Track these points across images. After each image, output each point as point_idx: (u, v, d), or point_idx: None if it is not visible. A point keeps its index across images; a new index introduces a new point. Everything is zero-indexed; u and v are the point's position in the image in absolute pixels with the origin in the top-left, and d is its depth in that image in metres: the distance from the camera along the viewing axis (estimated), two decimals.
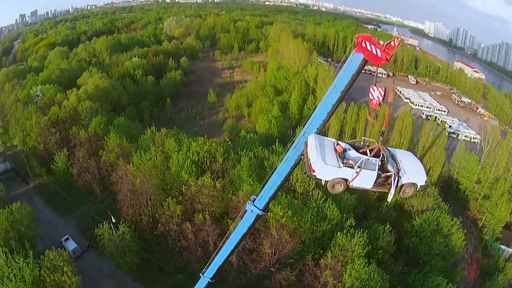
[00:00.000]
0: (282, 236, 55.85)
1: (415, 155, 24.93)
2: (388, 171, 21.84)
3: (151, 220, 69.93)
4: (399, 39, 19.81)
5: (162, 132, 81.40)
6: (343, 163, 21.60)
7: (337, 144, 23.13)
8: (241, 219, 31.96)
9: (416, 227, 65.49)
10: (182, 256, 63.73)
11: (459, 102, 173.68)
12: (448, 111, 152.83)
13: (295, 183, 66.77)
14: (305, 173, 23.38)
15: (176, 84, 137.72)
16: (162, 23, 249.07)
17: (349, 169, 21.39)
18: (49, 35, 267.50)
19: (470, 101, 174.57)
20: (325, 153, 21.96)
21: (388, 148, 23.58)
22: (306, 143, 23.49)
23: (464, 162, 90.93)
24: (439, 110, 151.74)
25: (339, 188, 22.11)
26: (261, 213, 30.00)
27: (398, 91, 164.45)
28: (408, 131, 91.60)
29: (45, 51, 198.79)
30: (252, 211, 30.08)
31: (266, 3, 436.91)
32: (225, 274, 59.17)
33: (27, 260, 52.61)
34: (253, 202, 30.01)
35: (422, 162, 24.45)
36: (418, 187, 22.42)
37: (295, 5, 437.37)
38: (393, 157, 22.79)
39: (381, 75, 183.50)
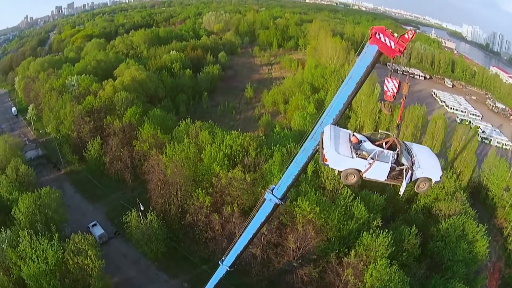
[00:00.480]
0: (307, 232, 60.39)
1: (432, 151, 26.67)
2: (402, 164, 23.58)
3: (180, 210, 77.05)
4: (413, 31, 21.33)
5: (196, 124, 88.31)
6: (357, 154, 23.52)
7: (353, 135, 24.86)
8: (260, 208, 34.34)
9: (442, 232, 68.35)
10: (208, 247, 70.14)
11: (493, 108, 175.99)
12: (482, 116, 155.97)
13: (325, 181, 72.34)
14: (320, 162, 25.25)
15: (214, 78, 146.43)
16: (201, 18, 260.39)
17: (362, 160, 23.32)
18: (86, 27, 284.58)
19: (504, 107, 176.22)
20: (339, 143, 23.98)
21: (404, 142, 25.37)
22: (322, 133, 25.41)
23: (494, 168, 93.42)
24: (473, 114, 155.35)
25: (353, 179, 23.97)
26: (279, 202, 32.34)
27: (434, 93, 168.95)
28: (440, 134, 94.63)
29: (81, 43, 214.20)
30: (270, 200, 32.45)
31: (307, 1, 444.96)
32: (249, 267, 64.97)
33: (52, 243, 58.89)
34: (272, 191, 32.38)
35: (438, 158, 26.06)
36: (433, 182, 23.95)
37: (335, 4, 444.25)
38: (408, 151, 24.33)
39: (418, 77, 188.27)
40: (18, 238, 61.62)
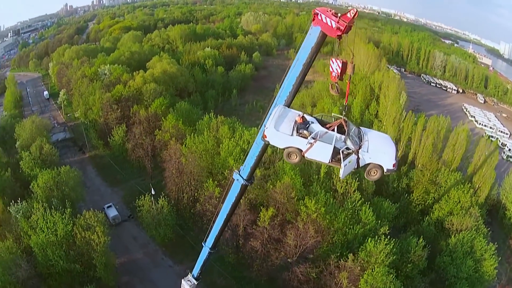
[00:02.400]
0: (307, 231, 61.23)
1: (393, 140, 26.54)
2: (348, 148, 23.55)
3: (191, 199, 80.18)
4: (355, 10, 21.10)
5: (218, 119, 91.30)
6: (298, 133, 23.99)
7: (299, 116, 25.11)
8: (230, 188, 35.31)
9: (450, 247, 67.69)
10: None
11: None
12: (510, 134, 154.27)
13: (336, 183, 73.83)
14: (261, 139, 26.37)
15: (245, 77, 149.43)
16: (240, 17, 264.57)
17: (302, 139, 23.81)
18: (126, 19, 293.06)
19: None
20: (282, 121, 24.62)
21: (361, 127, 25.72)
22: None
23: None
24: (501, 132, 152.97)
25: (295, 159, 24.53)
26: (245, 183, 32.90)
27: (465, 108, 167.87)
28: (462, 147, 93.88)
29: (119, 34, 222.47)
30: (237, 180, 33.11)
31: (349, 8, 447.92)
32: (250, 260, 67.02)
33: (63, 216, 63.20)
34: (239, 172, 33.00)
35: (396, 148, 26.23)
36: (385, 170, 23.98)
37: (377, 13, 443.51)
38: (359, 135, 24.51)
39: (451, 90, 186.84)
40: (32, 210, 66.07)
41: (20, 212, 67.88)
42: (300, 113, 25.57)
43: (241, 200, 65.44)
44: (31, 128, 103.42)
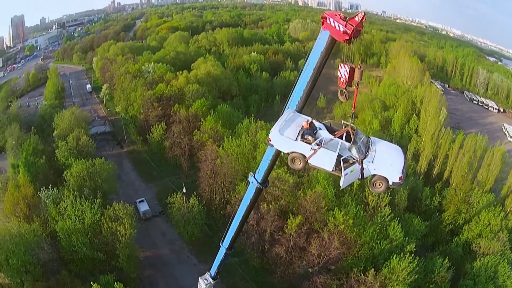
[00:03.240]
0: (332, 241, 60.70)
1: (404, 153, 26.08)
2: (351, 157, 23.40)
3: (223, 200, 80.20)
4: (363, 13, 20.89)
5: (258, 123, 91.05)
6: (303, 138, 24.03)
7: (307, 121, 25.02)
8: (246, 191, 35.50)
9: (474, 270, 66.13)
10: (240, 240, 73.31)
11: None
12: None
13: (368, 195, 72.84)
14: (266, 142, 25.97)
15: (290, 84, 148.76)
16: (288, 24, 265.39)
17: (306, 144, 23.80)
18: (174, 19, 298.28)
19: None
20: (288, 126, 24.71)
21: (372, 137, 25.61)
22: None
23: None
24: None
25: (299, 165, 24.55)
26: (259, 186, 32.79)
27: (504, 128, 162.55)
28: (496, 168, 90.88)
29: (166, 33, 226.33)
30: (252, 182, 33.10)
31: (397, 20, 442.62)
32: (274, 266, 66.68)
33: (92, 206, 65.22)
34: (254, 174, 32.98)
35: (405, 161, 25.16)
36: (390, 183, 23.63)
37: (424, 27, 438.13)
38: (367, 144, 24.45)
39: (492, 109, 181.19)
40: (62, 197, 67.81)
41: (50, 198, 69.70)
42: (309, 118, 25.51)
43: (270, 206, 66.28)
44: (70, 119, 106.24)
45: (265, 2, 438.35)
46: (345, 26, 20.77)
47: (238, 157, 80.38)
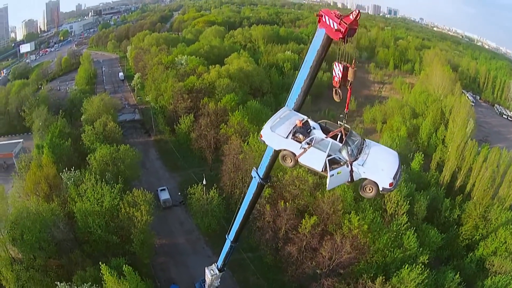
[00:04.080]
0: (343, 245, 60.35)
1: (399, 159, 25.37)
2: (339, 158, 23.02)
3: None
4: (357, 11, 20.37)
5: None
6: (293, 136, 24.04)
7: (302, 120, 24.97)
8: (249, 185, 35.81)
9: None
10: (255, 236, 73.09)
11: None
12: None
13: (387, 202, 72.00)
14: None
15: (322, 84, 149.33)
16: None
17: (296, 142, 23.76)
18: (212, 13, 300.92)
19: None
20: (281, 123, 24.91)
21: (368, 140, 25.13)
22: None
23: None
24: None
25: (289, 162, 24.52)
26: (261, 181, 33.14)
27: None
28: None
29: (202, 27, 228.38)
30: (255, 177, 33.48)
31: (434, 28, 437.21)
32: (286, 265, 66.69)
33: (112, 190, 66.74)
34: (257, 169, 33.31)
35: (399, 167, 24.46)
36: (380, 188, 22.90)
37: (460, 37, 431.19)
38: (360, 146, 23.92)
39: None
40: (84, 179, 69.77)
41: (71, 180, 71.75)
42: (305, 117, 25.56)
43: (287, 204, 66.51)
44: (98, 105, 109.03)
45: (304, 1, 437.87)
46: (339, 24, 20.37)
47: (262, 154, 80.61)
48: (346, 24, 20.05)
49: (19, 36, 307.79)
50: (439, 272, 63.35)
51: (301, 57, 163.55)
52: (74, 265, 57.84)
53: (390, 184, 22.70)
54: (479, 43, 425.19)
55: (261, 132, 24.89)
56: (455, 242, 74.30)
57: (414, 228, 65.67)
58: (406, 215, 67.93)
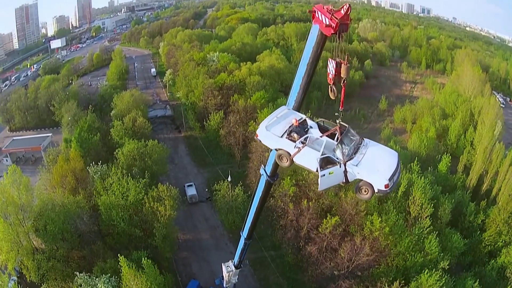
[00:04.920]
0: (363, 247, 59.86)
1: (399, 158, 24.52)
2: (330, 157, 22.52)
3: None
4: (348, 5, 19.78)
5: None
6: (289, 135, 23.77)
7: (300, 119, 24.82)
8: (259, 182, 35.36)
9: None
10: (278, 234, 73.45)
11: None
12: None
13: (410, 204, 70.03)
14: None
15: (353, 83, 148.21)
16: (358, 23, 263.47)
17: (291, 142, 23.46)
18: (246, 10, 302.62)
19: None
20: (278, 122, 24.67)
21: (367, 139, 24.59)
22: None
23: None
24: None
25: (285, 162, 24.19)
26: (268, 179, 32.57)
27: None
28: None
29: (235, 24, 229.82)
30: (262, 174, 33.00)
31: (467, 28, 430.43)
32: (306, 264, 66.53)
33: (137, 185, 67.82)
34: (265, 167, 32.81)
35: (398, 169, 23.62)
36: (375, 190, 22.19)
37: (492, 37, 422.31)
38: (356, 146, 23.47)
39: None
40: (110, 173, 71.20)
41: (98, 174, 73.42)
42: (304, 116, 25.35)
43: (310, 204, 66.40)
44: (128, 100, 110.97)
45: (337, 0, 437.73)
46: (330, 19, 19.69)
47: None
48: (337, 19, 19.49)
49: (50, 32, 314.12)
50: (459, 279, 62.08)
51: (333, 55, 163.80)
52: (95, 256, 59.20)
53: (386, 186, 21.92)
54: (510, 44, 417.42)
55: (257, 131, 24.82)
56: (477, 248, 72.14)
57: (437, 232, 64.33)
58: (429, 219, 66.52)
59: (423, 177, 69.25)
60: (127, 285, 48.47)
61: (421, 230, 63.86)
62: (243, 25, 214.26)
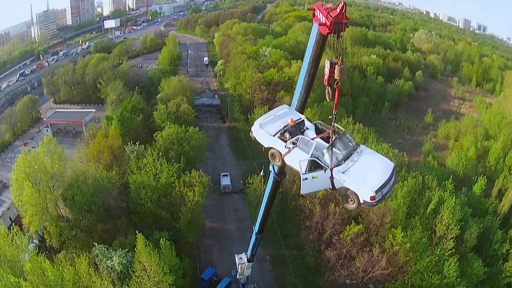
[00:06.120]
0: (379, 260, 58.91)
1: (394, 170, 23.24)
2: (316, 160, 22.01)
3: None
4: (343, 3, 18.88)
5: (355, 126, 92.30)
6: (281, 135, 23.74)
7: (300, 120, 24.89)
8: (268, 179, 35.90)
9: None
10: (302, 234, 72.82)
11: None
12: None
13: (437, 223, 67.48)
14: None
15: (402, 93, 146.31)
16: (413, 33, 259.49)
17: (281, 142, 23.39)
18: (305, 8, 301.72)
19: None
20: (274, 121, 24.87)
21: (363, 146, 23.80)
22: None
23: None
24: None
25: (277, 162, 24.31)
26: (275, 176, 32.90)
27: None
28: None
29: (292, 22, 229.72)
30: (271, 171, 33.19)
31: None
32: (323, 268, 65.95)
33: (170, 168, 68.92)
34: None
35: (389, 180, 22.32)
36: (360, 201, 21.29)
37: None
38: (350, 152, 22.71)
39: None
40: (146, 154, 72.71)
41: (134, 153, 75.08)
42: (302, 117, 25.19)
43: (337, 208, 65.96)
44: (175, 86, 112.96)
45: (398, 7, 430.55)
46: (326, 17, 19.16)
47: None
48: (331, 17, 18.88)
49: (106, 12, 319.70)
50: None
51: (385, 62, 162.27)
52: (118, 231, 61.09)
53: (371, 198, 20.92)
54: None
55: (252, 128, 25.07)
56: (496, 278, 68.70)
57: (458, 256, 61.96)
58: (454, 241, 64.23)
59: (454, 197, 67.39)
60: (139, 261, 49.50)
61: (443, 251, 62.03)
62: (300, 24, 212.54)
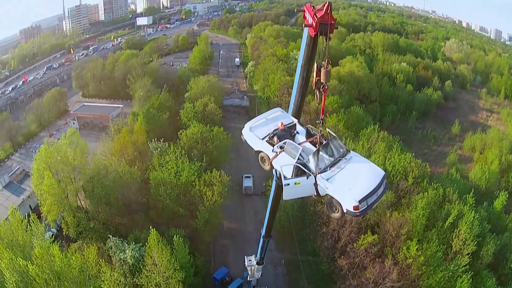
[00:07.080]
0: (391, 272, 57.55)
1: (384, 179, 22.05)
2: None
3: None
4: (328, 3, 18.00)
5: (380, 134, 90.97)
6: (269, 138, 23.51)
7: (292, 124, 24.53)
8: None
9: None
10: (318, 241, 72.14)
11: None
12: None
13: (454, 237, 65.39)
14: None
15: (430, 102, 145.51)
16: (445, 42, 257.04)
17: (269, 145, 23.09)
18: (339, 13, 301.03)
19: None
20: (264, 124, 24.75)
21: (354, 153, 23.01)
22: None
23: None
24: None
25: (267, 166, 23.83)
26: (277, 180, 31.25)
27: None
28: None
29: None
30: (274, 174, 31.77)
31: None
32: (336, 276, 65.50)
33: (191, 167, 69.44)
34: None
35: (377, 190, 21.31)
36: (344, 210, 20.46)
37: None
38: (337, 158, 21.88)
39: None
40: (168, 151, 73.79)
41: (158, 150, 75.95)
42: (295, 120, 24.79)
43: (353, 219, 64.90)
44: (204, 85, 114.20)
45: (431, 15, 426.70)
46: (312, 18, 18.31)
47: None
48: (317, 18, 17.97)
49: (139, 9, 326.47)
50: None
51: (416, 70, 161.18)
52: (135, 226, 62.17)
53: (355, 208, 19.88)
54: None
55: (242, 131, 24.92)
56: None
57: (472, 273, 60.05)
58: (470, 256, 62.24)
59: (474, 211, 65.70)
60: (149, 256, 50.26)
61: (457, 267, 60.36)
62: None
